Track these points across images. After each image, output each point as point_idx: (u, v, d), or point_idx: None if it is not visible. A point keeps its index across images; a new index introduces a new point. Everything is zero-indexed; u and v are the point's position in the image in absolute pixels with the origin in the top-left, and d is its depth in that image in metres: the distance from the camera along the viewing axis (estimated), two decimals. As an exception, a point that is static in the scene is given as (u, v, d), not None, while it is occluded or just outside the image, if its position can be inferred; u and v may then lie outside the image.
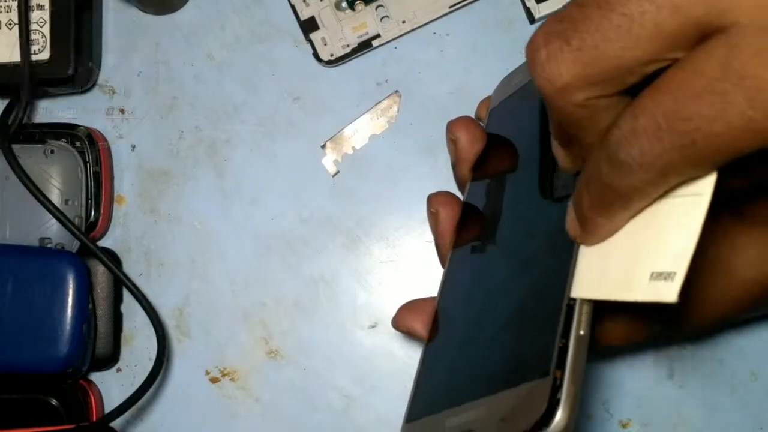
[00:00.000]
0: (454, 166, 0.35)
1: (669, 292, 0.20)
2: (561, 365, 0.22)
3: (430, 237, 0.34)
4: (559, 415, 0.21)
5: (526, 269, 0.27)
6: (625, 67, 0.20)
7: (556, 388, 0.21)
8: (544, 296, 0.25)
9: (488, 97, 0.36)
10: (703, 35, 0.19)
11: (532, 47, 0.21)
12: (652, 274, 0.21)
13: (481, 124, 0.35)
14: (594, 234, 0.23)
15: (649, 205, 0.22)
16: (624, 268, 0.22)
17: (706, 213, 0.20)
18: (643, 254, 0.21)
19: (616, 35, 0.19)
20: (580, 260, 0.24)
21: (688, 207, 0.21)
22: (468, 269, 0.31)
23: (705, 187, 0.20)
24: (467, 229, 0.33)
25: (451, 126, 0.34)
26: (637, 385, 0.42)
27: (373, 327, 0.43)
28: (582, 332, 0.22)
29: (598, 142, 0.21)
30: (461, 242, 0.32)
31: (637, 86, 0.20)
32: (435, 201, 0.33)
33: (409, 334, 0.33)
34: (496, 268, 0.30)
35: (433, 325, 0.31)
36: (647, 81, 0.20)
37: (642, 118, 0.20)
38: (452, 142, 0.34)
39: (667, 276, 0.20)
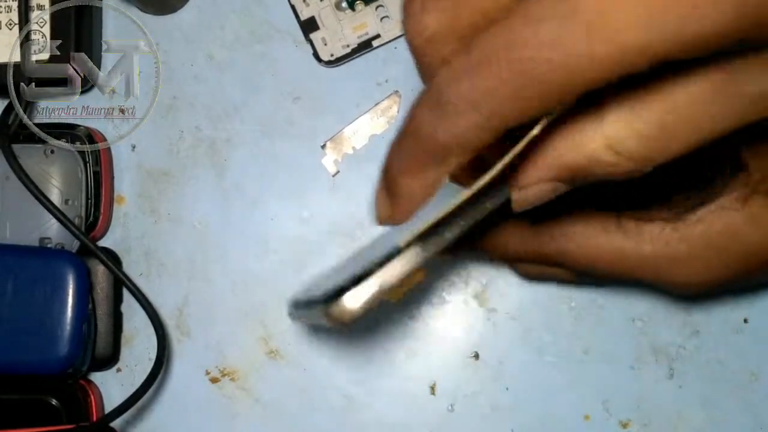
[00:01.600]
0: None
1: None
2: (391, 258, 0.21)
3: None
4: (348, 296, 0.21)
5: None
6: (486, 12, 0.20)
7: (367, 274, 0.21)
8: None
9: None
10: None
11: (406, 2, 0.22)
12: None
13: None
14: (404, 203, 0.22)
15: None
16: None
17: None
18: None
19: None
20: None
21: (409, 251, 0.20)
22: None
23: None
24: None
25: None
26: (637, 385, 0.42)
27: (372, 327, 0.43)
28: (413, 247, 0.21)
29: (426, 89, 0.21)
30: None
31: None
32: None
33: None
34: None
35: None
36: None
37: (475, 52, 0.19)
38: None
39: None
